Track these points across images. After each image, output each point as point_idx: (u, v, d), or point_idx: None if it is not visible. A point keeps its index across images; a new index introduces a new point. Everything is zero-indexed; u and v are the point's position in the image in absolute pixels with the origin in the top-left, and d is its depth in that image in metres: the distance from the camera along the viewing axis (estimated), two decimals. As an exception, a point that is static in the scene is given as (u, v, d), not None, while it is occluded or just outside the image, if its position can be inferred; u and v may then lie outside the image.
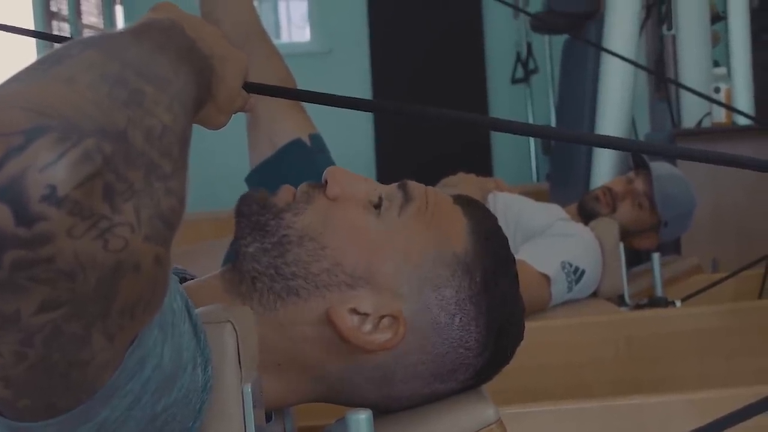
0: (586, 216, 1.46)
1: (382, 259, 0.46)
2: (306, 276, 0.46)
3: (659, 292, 1.28)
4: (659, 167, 1.49)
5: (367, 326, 0.45)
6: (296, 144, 0.70)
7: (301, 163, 0.68)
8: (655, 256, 1.29)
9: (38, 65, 0.29)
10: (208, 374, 0.38)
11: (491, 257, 0.48)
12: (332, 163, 0.73)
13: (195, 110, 0.37)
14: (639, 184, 1.47)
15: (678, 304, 1.27)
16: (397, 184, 0.49)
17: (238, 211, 0.48)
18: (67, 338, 0.28)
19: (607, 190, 1.49)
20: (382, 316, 0.45)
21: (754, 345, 1.08)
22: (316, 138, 0.72)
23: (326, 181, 0.48)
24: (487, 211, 0.51)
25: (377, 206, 0.48)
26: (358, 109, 0.52)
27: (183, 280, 0.51)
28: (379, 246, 0.46)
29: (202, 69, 0.39)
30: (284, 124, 0.71)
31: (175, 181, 0.30)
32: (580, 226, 1.37)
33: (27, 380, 0.28)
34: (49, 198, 0.25)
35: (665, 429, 0.74)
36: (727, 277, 1.36)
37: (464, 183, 1.47)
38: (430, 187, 0.50)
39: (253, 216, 0.47)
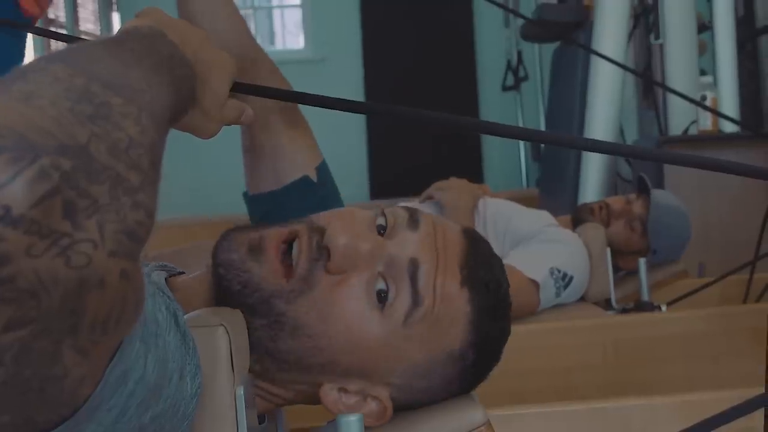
0: (577, 225, 1.47)
1: (378, 360, 0.46)
2: (299, 367, 0.46)
3: (645, 296, 1.29)
4: (660, 195, 1.50)
5: (351, 401, 0.47)
6: (303, 182, 0.65)
7: (307, 201, 0.64)
8: (642, 261, 1.31)
9: (2, 81, 0.29)
10: (197, 381, 0.39)
11: (486, 339, 0.48)
12: (337, 194, 0.68)
13: (172, 119, 0.36)
14: (637, 207, 1.48)
15: (664, 308, 1.28)
16: (407, 261, 0.45)
17: (216, 273, 0.45)
18: (37, 355, 0.28)
19: (604, 204, 1.51)
20: (368, 396, 0.47)
21: (741, 348, 1.10)
22: (321, 168, 0.67)
23: (328, 251, 0.44)
24: (492, 280, 0.48)
25: (382, 299, 0.45)
26: (348, 111, 0.52)
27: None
28: (377, 348, 0.46)
29: (183, 76, 0.39)
30: (290, 160, 0.65)
31: (143, 194, 0.29)
32: (568, 233, 1.39)
33: (2, 397, 0.28)
34: (3, 219, 0.25)
35: (652, 430, 0.75)
36: (712, 282, 1.38)
37: (457, 188, 1.49)
38: (440, 269, 0.46)
39: (235, 297, 0.44)
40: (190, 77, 0.41)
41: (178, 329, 0.38)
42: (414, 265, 0.45)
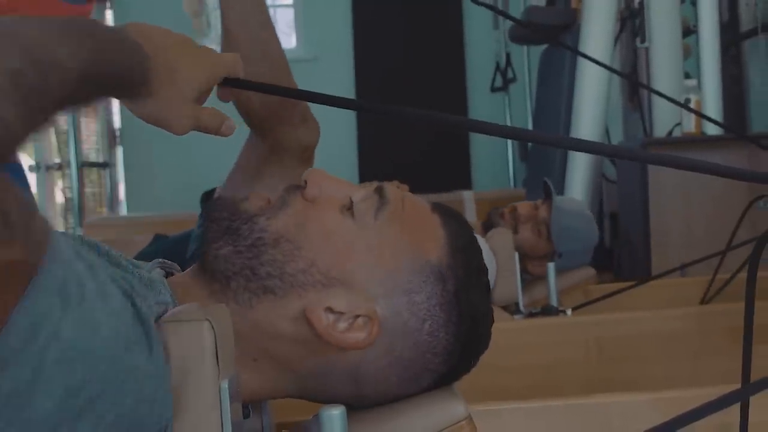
0: (488, 229, 1.48)
1: (356, 260, 0.47)
2: (281, 276, 0.46)
3: (554, 301, 1.29)
4: (563, 201, 1.52)
5: (342, 325, 0.46)
6: None
7: None
8: (551, 265, 1.31)
9: None
10: (155, 358, 0.38)
11: (464, 269, 0.49)
12: None
13: (99, 84, 0.39)
14: (543, 212, 1.51)
15: (569, 312, 1.28)
16: (373, 187, 0.50)
17: (207, 217, 0.48)
18: None
19: (513, 208, 1.53)
20: (357, 316, 0.46)
21: (720, 346, 1.12)
22: None
23: (305, 182, 0.49)
24: (465, 222, 0.51)
25: (349, 208, 0.48)
26: (338, 107, 0.54)
27: (169, 275, 0.51)
28: (354, 247, 0.47)
29: (116, 49, 0.42)
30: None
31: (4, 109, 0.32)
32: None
33: None
34: None
35: (631, 427, 0.77)
36: (625, 289, 1.37)
37: None
38: (408, 193, 0.51)
39: (224, 221, 0.47)
40: (130, 52, 0.43)
41: (134, 307, 0.38)
42: (379, 187, 0.50)
